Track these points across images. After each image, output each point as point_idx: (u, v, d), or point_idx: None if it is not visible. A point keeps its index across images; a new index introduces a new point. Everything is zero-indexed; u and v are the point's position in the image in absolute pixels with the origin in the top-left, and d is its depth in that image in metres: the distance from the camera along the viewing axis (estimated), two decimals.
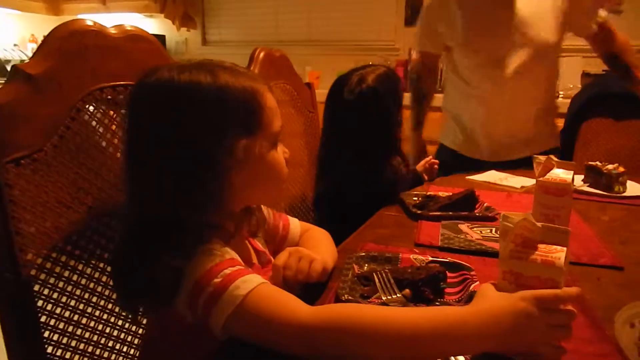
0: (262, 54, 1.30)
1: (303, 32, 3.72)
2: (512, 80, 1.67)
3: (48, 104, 0.66)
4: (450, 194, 1.24)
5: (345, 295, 0.68)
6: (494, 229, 1.05)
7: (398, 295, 0.69)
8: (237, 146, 0.63)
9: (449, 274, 0.76)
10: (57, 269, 0.67)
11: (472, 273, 0.77)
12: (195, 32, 3.98)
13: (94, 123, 0.73)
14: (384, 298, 0.68)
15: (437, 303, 0.71)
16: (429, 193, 1.30)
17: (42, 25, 3.81)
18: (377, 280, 0.72)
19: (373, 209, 1.18)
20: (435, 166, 1.62)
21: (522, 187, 1.50)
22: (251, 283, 0.57)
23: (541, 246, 0.56)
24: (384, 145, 1.27)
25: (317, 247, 0.80)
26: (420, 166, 1.63)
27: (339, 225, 0.98)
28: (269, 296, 0.57)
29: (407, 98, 1.68)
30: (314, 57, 3.53)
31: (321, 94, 1.60)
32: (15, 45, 3.72)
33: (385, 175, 1.24)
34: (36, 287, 0.65)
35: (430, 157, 1.69)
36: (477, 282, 0.73)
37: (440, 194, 1.28)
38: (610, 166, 1.44)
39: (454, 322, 0.52)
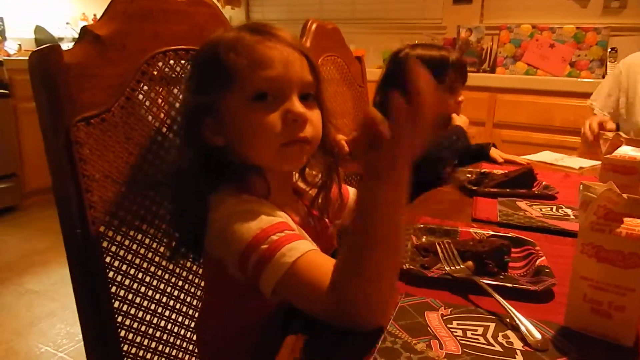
0: (314, 26, 1.27)
1: (347, 9, 3.66)
2: None
3: (114, 65, 0.67)
4: (506, 171, 1.20)
5: (406, 265, 0.67)
6: (554, 207, 1.00)
7: (462, 266, 0.67)
8: (193, 97, 0.64)
9: (512, 249, 0.73)
10: (124, 228, 0.69)
11: (537, 248, 0.73)
12: (239, 11, 3.98)
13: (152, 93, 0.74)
14: (447, 268, 0.66)
15: (502, 277, 0.68)
16: (483, 170, 1.26)
17: (93, 3, 3.90)
18: (439, 250, 0.70)
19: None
20: None
21: (580, 167, 1.43)
22: (297, 251, 0.56)
23: (626, 219, 0.52)
24: None
25: None
26: None
27: None
28: (316, 264, 0.56)
29: None
30: (358, 35, 3.47)
31: (367, 72, 1.58)
32: (67, 23, 3.83)
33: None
34: (104, 244, 0.66)
35: None
36: (544, 257, 0.70)
37: (495, 171, 1.24)
38: None
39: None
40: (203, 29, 0.79)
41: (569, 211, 0.98)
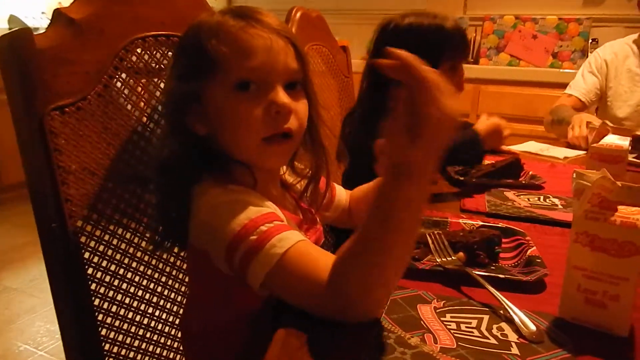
0: (299, 14, 1.25)
1: (331, 0, 3.62)
2: None
3: (91, 50, 0.63)
4: (493, 161, 1.19)
5: None
6: (542, 197, 1.00)
7: (453, 257, 0.65)
8: (176, 84, 0.62)
9: (502, 239, 0.72)
10: (103, 222, 0.66)
11: (527, 238, 0.73)
12: (222, 0, 3.91)
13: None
14: (438, 260, 0.65)
15: (493, 268, 0.67)
16: None
17: None
18: (430, 242, 0.68)
19: None
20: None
21: (565, 157, 1.43)
22: (288, 241, 0.54)
23: (620, 207, 0.52)
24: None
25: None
26: None
27: None
28: (307, 254, 0.54)
29: None
30: (342, 26, 3.42)
31: (351, 63, 1.55)
32: (43, 13, 3.72)
33: None
34: (83, 239, 0.63)
35: None
36: (534, 248, 0.69)
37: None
38: None
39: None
40: (185, 14, 0.76)
41: (556, 201, 0.98)
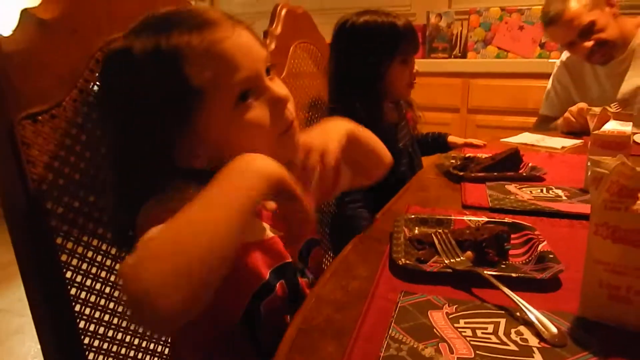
0: (284, 11, 1.21)
1: None
2: None
3: (64, 52, 0.59)
4: (491, 155, 1.16)
5: (402, 260, 0.61)
6: (544, 189, 0.97)
7: (462, 257, 0.61)
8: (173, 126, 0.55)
9: (511, 235, 0.69)
10: (85, 238, 0.61)
11: (537, 233, 0.69)
12: (204, 3, 3.86)
13: None
14: (447, 261, 0.61)
15: (503, 266, 0.64)
16: (467, 155, 1.22)
17: None
18: (437, 242, 0.64)
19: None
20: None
21: (562, 147, 1.41)
22: None
23: None
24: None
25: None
26: None
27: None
28: None
29: None
30: (328, 26, 3.38)
31: None
32: None
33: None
34: (64, 257, 0.58)
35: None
36: (545, 242, 0.66)
37: (479, 155, 1.20)
38: None
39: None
40: (162, 6, 0.71)
41: (559, 192, 0.95)
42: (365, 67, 1.21)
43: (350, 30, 1.23)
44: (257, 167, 0.49)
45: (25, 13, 0.57)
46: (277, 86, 0.60)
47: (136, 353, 0.69)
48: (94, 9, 0.62)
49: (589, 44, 1.58)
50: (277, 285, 0.61)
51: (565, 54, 1.85)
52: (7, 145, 0.53)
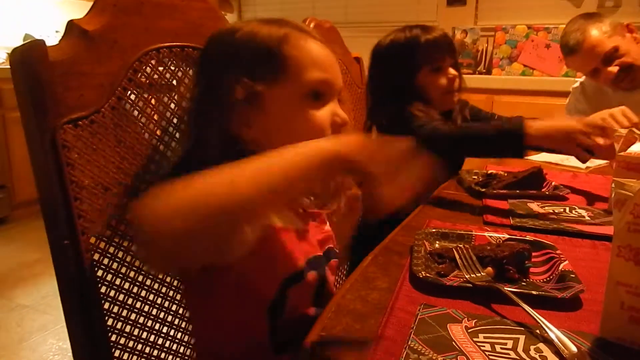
0: (312, 24, 1.24)
1: (340, 13, 3.64)
2: None
3: (104, 62, 0.62)
4: (513, 172, 1.16)
5: (422, 273, 0.62)
6: (567, 208, 0.96)
7: (482, 273, 0.62)
8: (237, 85, 0.58)
9: (532, 253, 0.69)
10: (117, 239, 0.63)
11: (558, 252, 0.69)
12: (232, 16, 3.94)
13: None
14: (467, 276, 0.61)
15: (523, 283, 0.64)
16: (489, 171, 1.22)
17: (83, 11, 3.85)
18: (457, 256, 0.65)
19: None
20: None
21: (587, 167, 1.39)
22: None
23: None
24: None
25: None
26: None
27: None
28: None
29: None
30: (352, 39, 3.39)
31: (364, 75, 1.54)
32: (57, 31, 3.77)
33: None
34: (96, 257, 0.61)
35: None
36: (567, 262, 0.66)
37: (501, 172, 1.20)
38: None
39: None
40: (198, 25, 0.75)
41: (582, 212, 0.94)
42: (395, 78, 1.24)
43: (379, 51, 1.31)
44: (321, 144, 0.48)
45: (70, 24, 0.60)
46: (343, 111, 0.64)
47: (159, 353, 0.71)
48: (134, 22, 0.65)
49: (614, 69, 1.55)
50: (309, 274, 0.63)
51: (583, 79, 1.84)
52: (49, 148, 0.56)
